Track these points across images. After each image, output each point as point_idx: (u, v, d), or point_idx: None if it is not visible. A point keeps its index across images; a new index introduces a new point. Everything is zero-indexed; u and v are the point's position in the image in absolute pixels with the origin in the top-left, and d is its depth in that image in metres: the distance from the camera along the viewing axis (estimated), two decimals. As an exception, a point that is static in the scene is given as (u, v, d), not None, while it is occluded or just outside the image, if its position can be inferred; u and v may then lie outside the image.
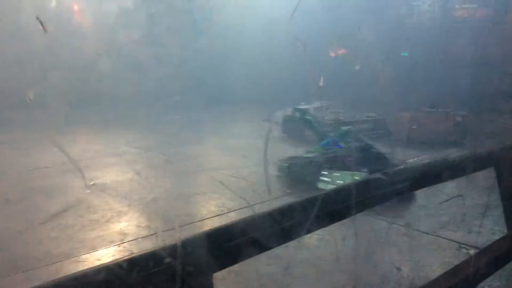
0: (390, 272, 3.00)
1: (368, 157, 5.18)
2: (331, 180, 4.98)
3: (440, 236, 3.59)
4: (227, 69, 12.75)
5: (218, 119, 10.46)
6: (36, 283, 0.69)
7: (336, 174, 5.01)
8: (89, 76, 9.74)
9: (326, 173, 5.08)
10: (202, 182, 5.36)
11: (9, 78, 8.74)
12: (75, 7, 11.31)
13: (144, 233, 3.68)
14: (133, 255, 0.76)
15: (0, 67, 8.95)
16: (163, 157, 6.63)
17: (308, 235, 3.44)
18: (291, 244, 3.27)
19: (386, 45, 9.98)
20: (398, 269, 3.04)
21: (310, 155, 5.67)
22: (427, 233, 3.66)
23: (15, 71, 8.81)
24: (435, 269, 3.01)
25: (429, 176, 1.60)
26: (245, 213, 1.08)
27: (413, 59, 10.43)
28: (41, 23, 1.09)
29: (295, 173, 5.34)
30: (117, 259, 0.75)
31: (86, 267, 0.75)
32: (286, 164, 5.51)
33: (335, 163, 5.20)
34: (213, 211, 4.26)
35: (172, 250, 0.82)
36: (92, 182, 5.12)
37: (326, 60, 10.92)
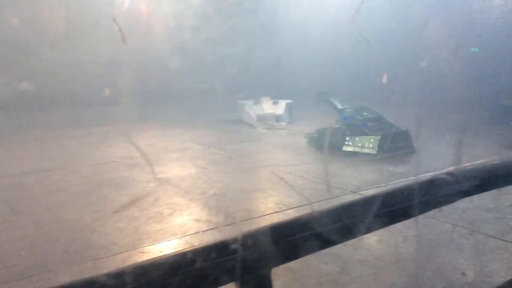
0: (454, 276, 2.88)
1: (380, 125, 6.56)
2: (353, 143, 6.37)
3: (508, 241, 3.39)
4: (291, 67, 12.84)
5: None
6: (104, 271, 0.74)
7: (356, 138, 6.36)
8: (160, 75, 10.16)
9: (348, 138, 6.42)
10: (261, 178, 5.41)
11: (85, 77, 9.32)
12: (143, 7, 11.80)
13: (205, 227, 3.78)
14: (196, 246, 0.79)
15: (76, 66, 9.54)
16: (224, 153, 6.77)
17: (368, 236, 3.39)
18: (350, 243, 3.24)
19: (456, 41, 9.55)
20: (463, 273, 2.91)
21: (335, 126, 6.79)
22: (494, 237, 3.47)
23: (89, 70, 9.36)
24: (503, 275, 2.85)
25: (499, 177, 1.52)
26: (304, 211, 1.08)
27: (484, 55, 9.90)
28: (118, 26, 1.15)
29: (323, 141, 6.51)
30: (181, 249, 0.78)
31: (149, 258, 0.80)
32: (316, 135, 6.86)
33: (355, 130, 6.45)
34: (271, 208, 4.29)
35: (232, 242, 0.84)
36: (157, 176, 5.35)
37: (392, 56, 10.65)
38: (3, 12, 9.41)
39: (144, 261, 0.74)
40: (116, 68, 8.50)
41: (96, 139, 7.64)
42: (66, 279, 0.74)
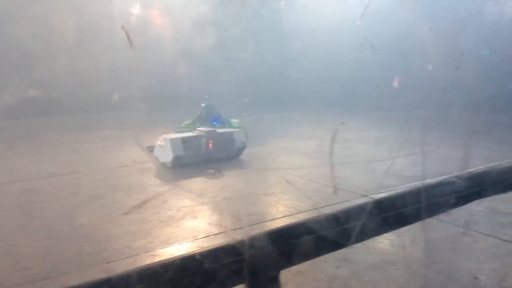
0: (467, 281, 2.86)
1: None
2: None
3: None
4: (297, 71, 12.86)
5: (288, 121, 10.51)
6: (117, 273, 0.76)
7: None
8: (169, 80, 10.26)
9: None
10: (272, 182, 5.42)
11: (97, 82, 9.45)
12: (154, 12, 11.94)
13: (215, 230, 3.80)
14: (205, 248, 0.81)
15: (89, 72, 9.67)
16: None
17: (378, 239, 3.38)
18: (360, 247, 3.23)
19: (461, 45, 9.50)
20: (476, 278, 2.88)
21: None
22: (508, 241, 3.43)
23: (101, 75, 9.49)
24: (519, 281, 2.82)
25: (510, 180, 1.51)
26: (314, 214, 1.09)
27: (493, 58, 9.82)
28: (126, 33, 1.18)
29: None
30: (190, 252, 0.80)
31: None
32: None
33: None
34: (282, 212, 4.30)
35: (241, 245, 0.86)
36: (169, 181, 5.39)
37: (397, 60, 10.61)
38: (14, 21, 9.60)
39: (153, 263, 0.76)
40: (126, 74, 8.63)
41: (109, 143, 7.73)
42: (79, 281, 0.76)
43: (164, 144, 5.90)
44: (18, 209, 4.43)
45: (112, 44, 7.78)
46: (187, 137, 6.09)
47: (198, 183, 5.34)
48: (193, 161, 6.03)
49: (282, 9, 13.05)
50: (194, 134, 6.21)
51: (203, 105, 8.13)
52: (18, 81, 9.45)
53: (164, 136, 6.01)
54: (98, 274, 2.88)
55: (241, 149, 6.51)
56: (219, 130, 6.44)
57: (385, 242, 3.45)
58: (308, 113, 11.35)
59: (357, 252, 3.24)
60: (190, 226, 3.89)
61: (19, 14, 9.48)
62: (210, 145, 6.14)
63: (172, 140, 5.88)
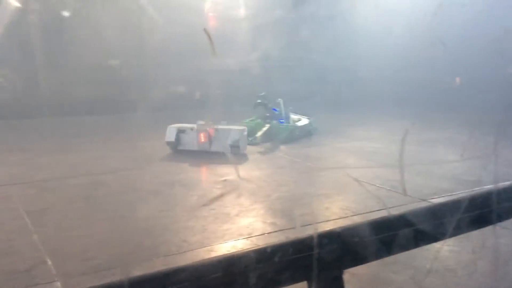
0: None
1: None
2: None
3: None
4: (366, 71, 12.75)
5: (348, 121, 10.35)
6: (176, 266, 0.79)
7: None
8: (242, 79, 10.48)
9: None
10: (326, 183, 5.38)
11: (180, 82, 9.84)
12: (210, 14, 12.19)
13: (269, 229, 3.83)
14: (275, 243, 0.83)
15: (172, 72, 10.06)
16: (288, 157, 6.81)
17: (438, 245, 3.26)
18: (419, 253, 3.13)
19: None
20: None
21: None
22: None
23: (182, 75, 9.86)
24: None
25: None
26: (369, 217, 1.08)
27: None
28: (208, 35, 1.23)
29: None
30: (261, 245, 0.82)
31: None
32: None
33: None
34: (336, 213, 4.26)
35: (309, 241, 0.87)
36: (223, 178, 5.49)
37: (469, 59, 10.20)
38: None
39: (227, 253, 0.79)
40: (205, 75, 8.89)
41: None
42: (139, 273, 0.80)
43: (167, 130, 7.06)
44: (82, 202, 4.67)
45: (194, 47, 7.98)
46: (184, 127, 7.08)
47: (252, 180, 5.40)
48: (187, 149, 6.99)
49: (352, 8, 12.95)
50: (191, 127, 7.05)
51: (258, 101, 8.51)
52: (65, 82, 10.00)
53: (172, 125, 7.13)
54: (157, 266, 3.00)
55: (235, 148, 6.75)
56: (218, 127, 6.96)
57: (444, 248, 3.33)
58: (372, 114, 11.17)
59: (415, 257, 3.15)
60: (244, 224, 3.95)
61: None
62: (203, 138, 6.87)
63: (170, 128, 7.08)
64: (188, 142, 7.03)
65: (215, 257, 0.76)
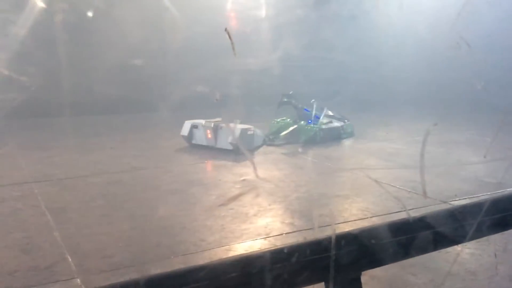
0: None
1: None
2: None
3: None
4: (389, 71, 12.66)
5: (369, 121, 10.25)
6: (194, 265, 0.79)
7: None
8: (263, 79, 10.50)
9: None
10: (345, 184, 5.34)
11: (201, 81, 9.94)
12: (231, 14, 12.22)
13: (287, 229, 3.83)
14: (293, 243, 0.83)
15: (192, 73, 10.14)
16: (308, 158, 6.78)
17: (459, 247, 3.21)
18: (439, 255, 3.08)
19: None
20: None
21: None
22: None
23: (204, 74, 9.94)
24: None
25: None
26: (389, 219, 1.07)
27: None
28: (229, 35, 1.23)
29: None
30: (279, 245, 0.82)
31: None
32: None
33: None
34: (355, 214, 4.22)
35: (327, 242, 0.87)
36: (242, 178, 5.50)
37: (496, 60, 10.00)
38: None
39: (244, 253, 0.80)
40: (226, 74, 8.95)
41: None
42: (157, 271, 0.81)
43: (184, 125, 7.49)
44: (102, 200, 4.73)
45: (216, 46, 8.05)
46: (197, 123, 7.37)
47: (271, 180, 5.39)
48: (198, 143, 7.36)
49: (375, 7, 12.84)
50: (203, 123, 7.28)
51: (285, 100, 8.51)
52: (79, 81, 10.15)
53: (189, 120, 7.50)
54: (176, 265, 3.03)
55: (235, 146, 6.84)
56: (221, 125, 7.15)
57: (465, 251, 3.28)
58: (393, 114, 11.06)
59: (435, 260, 3.10)
60: (262, 224, 3.95)
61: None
62: (209, 135, 7.17)
63: (186, 123, 7.48)
64: (199, 137, 7.39)
65: (233, 256, 0.76)
